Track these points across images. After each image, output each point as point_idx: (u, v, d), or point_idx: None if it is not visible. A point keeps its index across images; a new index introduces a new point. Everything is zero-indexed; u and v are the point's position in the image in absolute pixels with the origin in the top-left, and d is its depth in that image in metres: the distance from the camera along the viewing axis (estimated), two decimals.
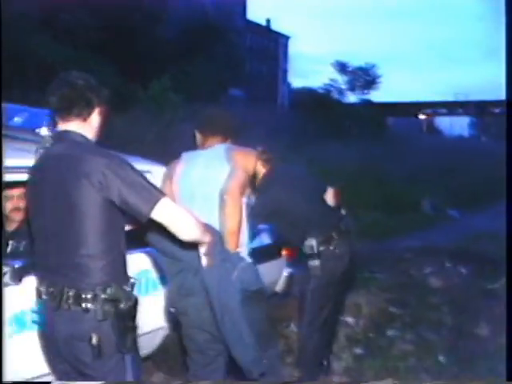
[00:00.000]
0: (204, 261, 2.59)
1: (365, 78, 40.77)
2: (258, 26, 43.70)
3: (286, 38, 48.14)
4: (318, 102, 28.61)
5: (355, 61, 41.47)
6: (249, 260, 3.00)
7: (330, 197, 3.67)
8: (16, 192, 3.26)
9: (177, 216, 2.23)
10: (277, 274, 4.51)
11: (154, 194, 2.18)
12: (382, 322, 4.98)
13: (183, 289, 2.96)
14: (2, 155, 2.47)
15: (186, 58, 18.84)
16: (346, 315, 4.85)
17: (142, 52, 15.59)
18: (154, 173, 3.24)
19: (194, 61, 19.37)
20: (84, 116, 2.25)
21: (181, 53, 18.52)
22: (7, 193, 3.24)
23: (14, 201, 3.29)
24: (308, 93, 33.66)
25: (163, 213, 2.18)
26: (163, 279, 3.24)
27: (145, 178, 2.21)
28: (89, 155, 2.17)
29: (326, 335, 3.66)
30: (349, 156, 16.79)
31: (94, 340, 2.13)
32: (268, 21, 47.00)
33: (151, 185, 2.21)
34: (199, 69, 19.38)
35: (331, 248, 3.44)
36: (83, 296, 2.13)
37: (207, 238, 2.44)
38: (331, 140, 20.49)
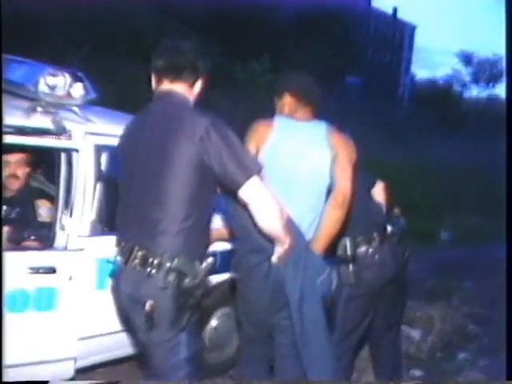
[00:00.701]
0: (274, 258, 2.40)
1: (491, 70, 38.09)
2: (383, 14, 42.52)
3: (413, 27, 46.52)
4: (438, 94, 27.14)
5: (482, 51, 38.96)
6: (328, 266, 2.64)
7: (377, 192, 3.08)
8: (13, 158, 2.95)
9: (263, 199, 2.10)
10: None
11: (253, 164, 2.11)
12: (454, 342, 4.27)
13: (251, 266, 2.55)
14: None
15: (295, 43, 18.46)
16: (412, 328, 4.17)
17: (247, 33, 15.39)
18: None
19: (303, 46, 18.96)
20: (190, 82, 2.25)
21: (289, 37, 18.16)
22: (4, 158, 2.92)
23: (11, 167, 2.98)
24: (429, 84, 32.14)
25: (251, 189, 2.07)
26: None
27: (245, 147, 2.14)
28: (193, 114, 2.15)
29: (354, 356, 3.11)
30: (460, 154, 15.59)
31: (147, 307, 2.05)
32: (395, 9, 45.60)
33: (251, 155, 2.15)
34: (306, 53, 18.90)
35: (370, 252, 2.83)
36: (150, 259, 2.07)
37: (287, 240, 2.28)
38: (445, 135, 19.23)
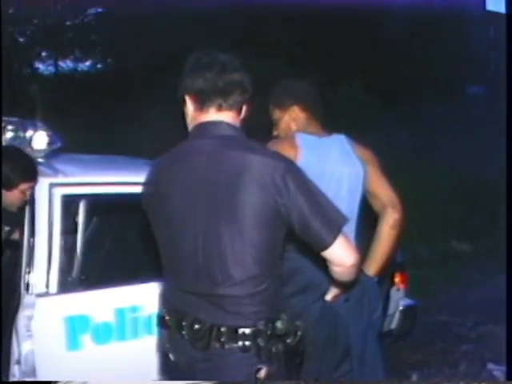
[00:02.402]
0: (329, 297, 2.23)
1: None
2: (501, 16, 40.32)
3: None
4: None
5: None
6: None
7: None
8: None
9: (351, 260, 1.78)
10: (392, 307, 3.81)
11: (338, 218, 1.77)
12: None
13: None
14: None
15: (404, 58, 17.78)
16: None
17: (337, 53, 15.07)
18: None
19: (416, 60, 18.23)
20: (239, 106, 1.86)
21: (395, 53, 17.55)
22: None
23: None
24: None
25: (340, 249, 1.76)
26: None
27: (324, 194, 1.80)
28: (259, 156, 1.74)
29: None
30: None
31: (263, 374, 1.74)
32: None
33: (333, 204, 1.80)
34: (419, 68, 18.16)
35: None
36: (240, 331, 1.74)
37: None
38: None
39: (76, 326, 2.59)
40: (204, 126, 1.84)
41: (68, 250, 2.83)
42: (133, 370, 2.72)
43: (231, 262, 1.74)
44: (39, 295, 2.57)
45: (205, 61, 1.83)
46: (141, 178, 2.89)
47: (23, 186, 2.58)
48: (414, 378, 3.86)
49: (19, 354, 2.52)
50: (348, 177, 2.39)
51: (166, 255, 1.90)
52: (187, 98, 1.87)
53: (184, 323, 1.81)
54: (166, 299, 1.93)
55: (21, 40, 13.04)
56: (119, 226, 3.43)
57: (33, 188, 2.62)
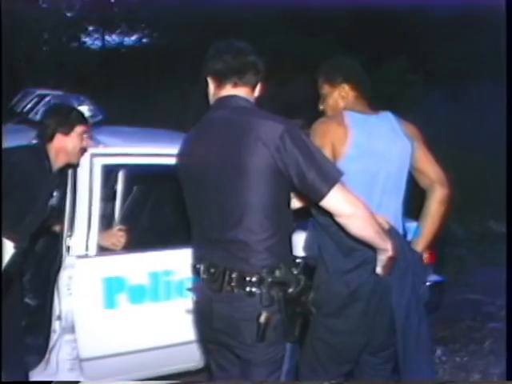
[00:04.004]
0: (379, 269, 2.24)
1: None
2: None
3: None
4: None
5: None
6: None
7: None
8: None
9: (351, 207, 1.96)
10: None
11: (334, 171, 1.97)
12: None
13: (352, 290, 2.34)
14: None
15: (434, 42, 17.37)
16: None
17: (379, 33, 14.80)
18: None
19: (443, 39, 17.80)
20: (252, 85, 2.12)
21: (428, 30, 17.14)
22: None
23: None
24: None
25: (336, 198, 1.94)
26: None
27: (322, 152, 2.03)
28: (263, 120, 2.00)
29: None
30: None
31: (263, 319, 1.95)
32: None
33: (329, 160, 2.04)
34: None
35: None
36: (247, 279, 1.96)
37: (388, 245, 2.13)
38: None
39: (113, 287, 2.77)
40: (221, 100, 2.11)
41: (107, 216, 3.00)
42: (163, 330, 2.90)
43: (239, 211, 1.97)
44: (79, 257, 2.75)
45: (223, 47, 2.12)
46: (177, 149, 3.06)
47: (79, 129, 2.70)
48: (438, 352, 3.91)
49: (60, 311, 2.73)
50: (397, 154, 2.40)
51: (191, 211, 2.15)
52: (209, 79, 2.14)
53: (202, 267, 2.06)
54: (193, 249, 2.19)
55: (68, 15, 13.28)
56: (156, 195, 3.58)
57: (88, 133, 2.76)
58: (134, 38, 14.51)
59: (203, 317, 2.16)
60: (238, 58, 2.09)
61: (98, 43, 14.13)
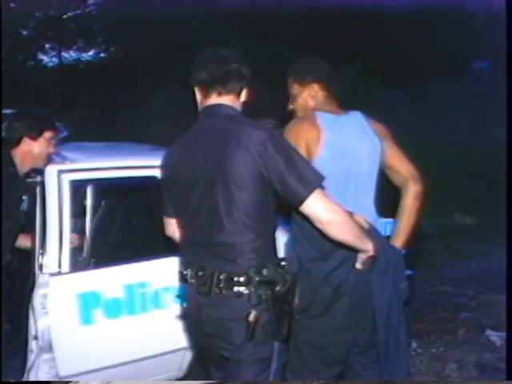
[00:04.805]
0: (358, 265, 2.29)
1: None
2: None
3: None
4: None
5: None
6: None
7: None
8: None
9: (329, 212, 2.00)
10: None
11: (314, 177, 2.02)
12: None
13: (336, 286, 2.38)
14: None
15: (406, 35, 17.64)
16: None
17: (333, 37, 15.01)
18: None
19: (413, 36, 18.08)
20: (237, 91, 2.19)
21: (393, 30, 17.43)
22: None
23: None
24: None
25: (315, 203, 1.99)
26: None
27: (304, 158, 2.10)
28: (247, 128, 2.08)
29: None
30: None
31: (251, 318, 2.01)
32: None
33: (311, 166, 2.07)
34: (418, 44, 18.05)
35: None
36: (235, 279, 2.03)
37: (369, 246, 2.17)
38: None
39: (88, 302, 2.75)
40: (207, 109, 2.18)
41: (78, 231, 2.98)
42: (142, 342, 2.89)
43: (225, 215, 2.04)
44: (52, 274, 2.73)
45: (208, 56, 2.18)
46: (145, 161, 3.07)
47: (47, 134, 2.69)
48: (414, 345, 3.98)
49: (36, 330, 2.69)
50: (368, 153, 2.46)
51: (180, 217, 2.22)
52: (196, 89, 2.21)
53: (191, 272, 2.12)
54: (181, 256, 2.25)
55: (24, 33, 13.13)
56: (125, 208, 3.57)
57: (55, 139, 2.75)
58: (91, 53, 14.42)
59: (194, 323, 2.21)
60: (221, 67, 2.15)
61: (56, 60, 13.99)
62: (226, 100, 2.17)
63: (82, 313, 2.75)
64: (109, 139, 4.40)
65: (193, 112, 2.28)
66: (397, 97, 12.43)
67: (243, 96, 2.22)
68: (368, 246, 2.17)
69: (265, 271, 2.03)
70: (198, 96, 2.22)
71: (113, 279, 2.86)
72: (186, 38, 11.18)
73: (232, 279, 2.03)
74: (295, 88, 2.57)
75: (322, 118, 2.43)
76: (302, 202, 1.99)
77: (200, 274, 2.09)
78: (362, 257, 2.25)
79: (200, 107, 2.22)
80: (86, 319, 2.76)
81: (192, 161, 2.12)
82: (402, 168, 2.55)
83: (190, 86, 2.22)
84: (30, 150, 2.67)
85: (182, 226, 2.22)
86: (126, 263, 2.91)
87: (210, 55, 2.19)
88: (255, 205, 2.04)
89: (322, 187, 2.02)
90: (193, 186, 2.11)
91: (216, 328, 2.10)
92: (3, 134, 2.65)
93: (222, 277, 2.04)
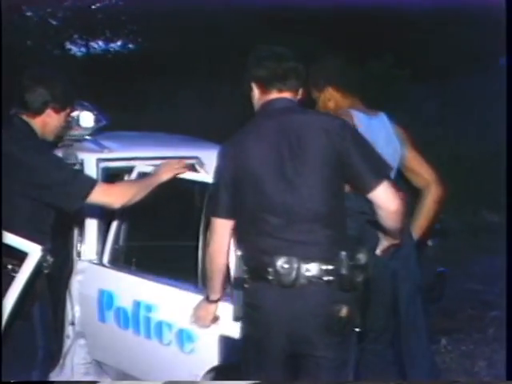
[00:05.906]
0: (379, 252, 2.28)
1: None
2: None
3: None
4: None
5: None
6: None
7: None
8: None
9: (395, 204, 2.04)
10: None
11: (386, 167, 2.12)
12: None
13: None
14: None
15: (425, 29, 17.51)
16: None
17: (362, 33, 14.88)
18: (203, 158, 2.97)
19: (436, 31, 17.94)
20: (295, 89, 2.20)
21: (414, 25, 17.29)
22: None
23: None
24: None
25: (385, 192, 2.02)
26: None
27: (375, 147, 2.14)
28: (322, 116, 2.20)
29: None
30: None
31: (343, 313, 1.97)
32: None
33: (382, 156, 2.13)
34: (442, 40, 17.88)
35: None
36: (324, 268, 1.97)
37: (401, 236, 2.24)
38: None
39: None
40: (269, 102, 2.17)
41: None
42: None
43: (308, 199, 2.02)
44: (91, 262, 2.77)
45: (264, 53, 2.20)
46: (179, 152, 3.07)
47: (69, 110, 2.52)
48: (444, 342, 3.97)
49: (73, 316, 2.74)
50: (391, 155, 2.48)
51: (253, 213, 2.08)
52: (253, 85, 2.19)
53: (270, 268, 1.99)
54: (256, 253, 2.06)
55: (53, 23, 13.25)
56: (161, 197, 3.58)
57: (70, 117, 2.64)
58: (119, 43, 14.50)
59: (274, 324, 2.04)
60: (280, 64, 2.16)
61: (84, 50, 14.10)
62: (287, 95, 2.18)
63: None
64: (136, 129, 4.41)
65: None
66: (426, 91, 12.28)
67: (299, 95, 2.23)
68: (400, 236, 2.24)
69: (360, 255, 2.01)
70: (256, 92, 2.20)
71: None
72: (212, 28, 11.21)
73: (321, 267, 1.98)
74: (314, 93, 2.65)
75: (357, 117, 2.50)
76: (372, 188, 2.02)
77: (286, 266, 1.98)
78: (384, 244, 2.25)
79: (258, 103, 2.20)
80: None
81: (270, 154, 2.07)
82: (424, 171, 2.65)
83: (244, 81, 2.21)
84: (49, 123, 2.38)
85: (259, 221, 2.07)
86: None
87: (266, 52, 2.21)
88: (335, 186, 2.07)
89: (390, 177, 2.08)
90: (271, 178, 2.06)
91: (305, 323, 2.01)
92: (25, 96, 2.32)
93: (310, 266, 1.97)
